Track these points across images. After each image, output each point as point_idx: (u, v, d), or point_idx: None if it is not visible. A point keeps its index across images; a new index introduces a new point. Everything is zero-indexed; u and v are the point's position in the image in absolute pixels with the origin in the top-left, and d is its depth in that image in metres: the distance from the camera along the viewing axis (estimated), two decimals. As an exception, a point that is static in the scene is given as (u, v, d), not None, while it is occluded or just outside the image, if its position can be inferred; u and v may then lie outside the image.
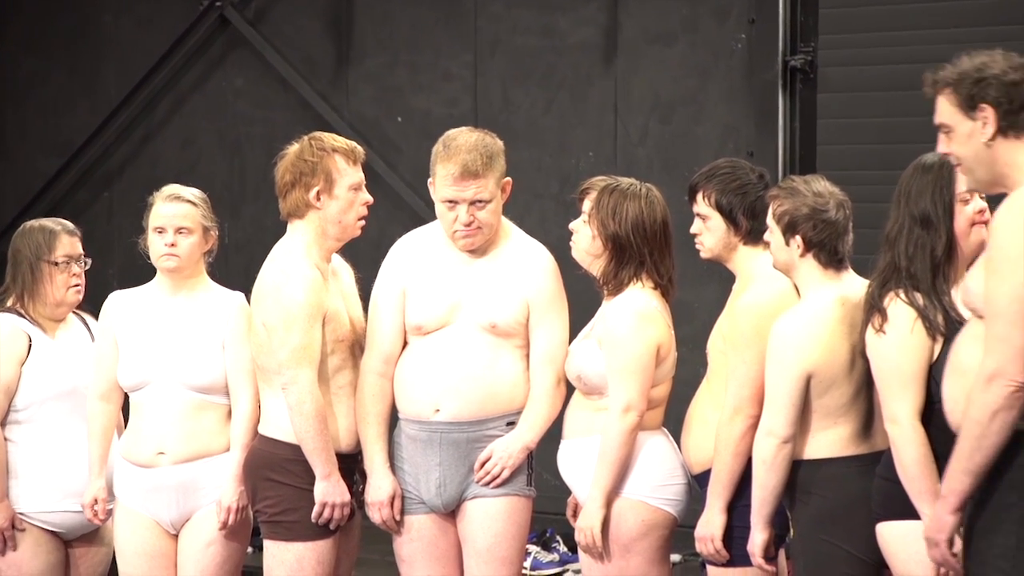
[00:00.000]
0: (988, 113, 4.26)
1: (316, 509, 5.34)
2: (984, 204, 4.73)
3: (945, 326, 4.60)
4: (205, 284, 5.72)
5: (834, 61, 8.09)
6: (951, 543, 4.34)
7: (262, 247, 5.73)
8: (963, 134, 4.31)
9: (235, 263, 9.26)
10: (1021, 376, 4.11)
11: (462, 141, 5.36)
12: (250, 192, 9.73)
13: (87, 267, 5.97)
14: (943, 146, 4.36)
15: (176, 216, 5.63)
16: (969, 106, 4.28)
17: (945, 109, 4.33)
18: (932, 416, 4.62)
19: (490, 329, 5.39)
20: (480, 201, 5.34)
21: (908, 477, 4.60)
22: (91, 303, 5.88)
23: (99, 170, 10.25)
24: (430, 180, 5.45)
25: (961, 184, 4.68)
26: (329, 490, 5.34)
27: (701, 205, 5.22)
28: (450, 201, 5.35)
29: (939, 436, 4.60)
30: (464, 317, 5.40)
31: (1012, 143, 4.26)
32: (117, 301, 5.73)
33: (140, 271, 5.83)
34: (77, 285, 5.92)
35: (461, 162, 5.31)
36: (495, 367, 5.40)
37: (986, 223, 4.72)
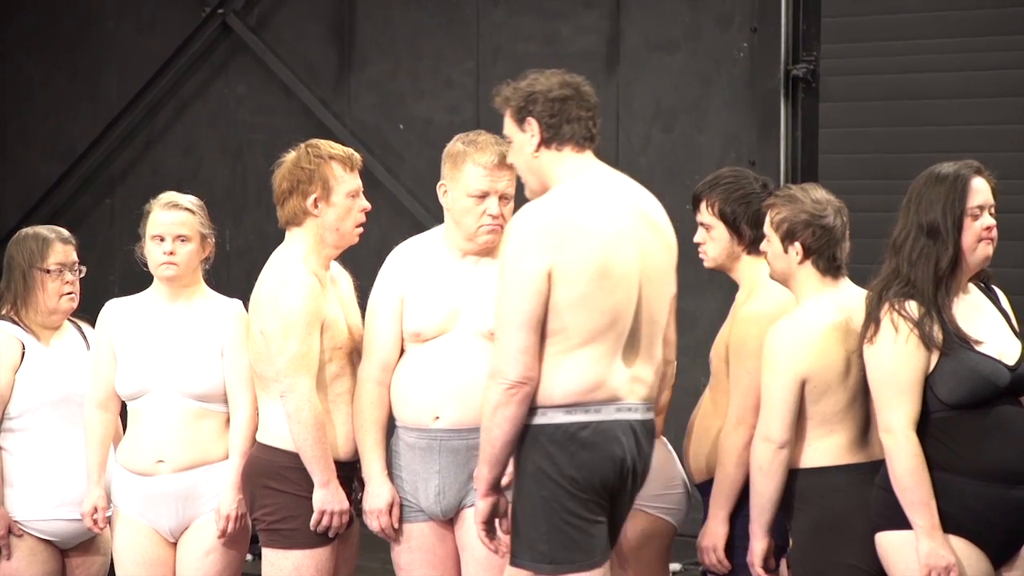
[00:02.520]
0: (534, 126, 4.70)
1: (315, 517, 5.34)
2: (992, 221, 4.72)
3: (943, 339, 4.60)
4: (203, 292, 5.71)
5: (836, 70, 8.10)
6: (489, 527, 4.79)
7: (264, 254, 5.72)
8: (518, 145, 4.79)
9: (236, 270, 9.27)
10: (514, 375, 4.58)
11: (487, 137, 5.39)
12: (252, 199, 9.73)
13: (82, 275, 5.96)
14: (508, 157, 4.85)
15: (174, 224, 5.62)
16: (520, 119, 4.75)
17: (507, 123, 4.79)
18: (927, 426, 4.63)
19: (489, 336, 5.37)
20: (506, 196, 5.35)
21: (901, 487, 4.61)
22: (92, 310, 5.87)
23: (101, 176, 10.26)
24: (441, 183, 5.44)
25: (975, 198, 4.68)
26: (328, 498, 5.33)
27: (704, 214, 5.21)
28: (481, 194, 5.34)
29: (934, 446, 4.62)
30: (463, 324, 5.39)
31: (554, 154, 4.72)
32: (114, 309, 5.72)
33: (141, 278, 5.82)
34: (70, 293, 5.90)
35: (497, 152, 5.32)
36: (494, 374, 5.38)
37: (992, 239, 4.72)
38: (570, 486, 4.59)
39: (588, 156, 4.76)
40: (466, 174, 5.35)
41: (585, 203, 4.63)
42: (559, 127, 4.71)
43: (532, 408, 4.62)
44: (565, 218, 4.59)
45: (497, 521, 4.80)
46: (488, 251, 5.44)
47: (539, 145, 4.73)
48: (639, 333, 4.65)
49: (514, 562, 4.71)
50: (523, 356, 4.58)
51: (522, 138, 4.77)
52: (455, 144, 5.42)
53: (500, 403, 4.60)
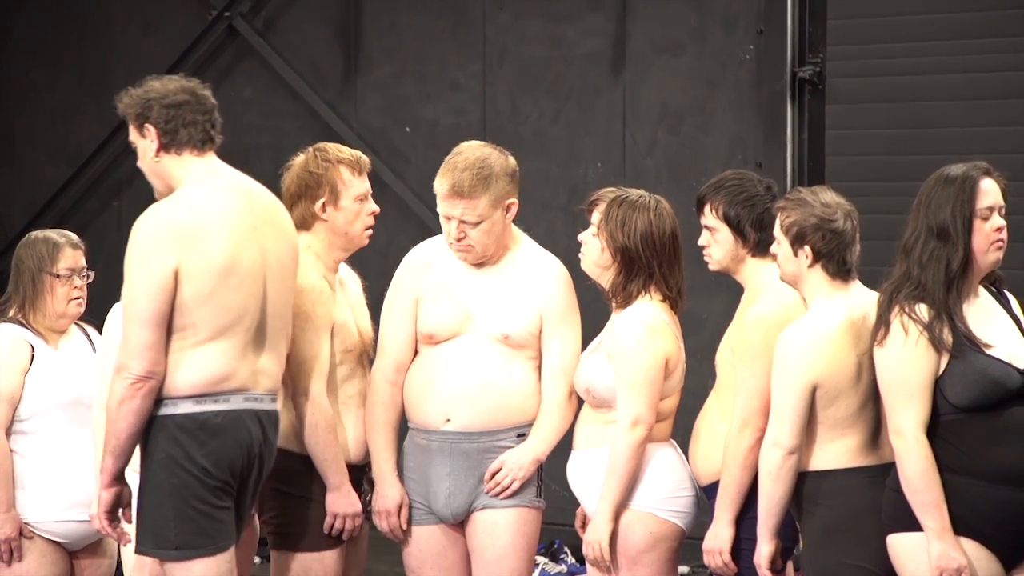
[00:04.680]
0: (152, 132, 4.94)
1: (328, 520, 5.33)
2: (1002, 222, 4.71)
3: (953, 341, 4.60)
4: (212, 294, 5.71)
5: (842, 72, 8.10)
6: (112, 517, 4.96)
7: (270, 257, 5.71)
8: (141, 151, 5.01)
9: (243, 273, 9.25)
10: (138, 370, 4.79)
11: (462, 159, 5.36)
12: (258, 202, 9.72)
13: (90, 280, 5.96)
14: (138, 162, 5.03)
15: (185, 227, 5.63)
16: (139, 126, 4.98)
17: (131, 130, 5.02)
18: (937, 428, 4.63)
19: (502, 340, 5.39)
20: (467, 222, 5.34)
21: (911, 489, 4.61)
22: (99, 313, 5.87)
23: (108, 179, 10.26)
24: (439, 189, 5.46)
25: (984, 199, 4.67)
26: (341, 501, 5.34)
27: (709, 217, 5.21)
28: (444, 216, 5.37)
29: (944, 448, 4.62)
30: (476, 327, 5.40)
31: (175, 158, 4.96)
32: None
33: (148, 281, 5.81)
34: (78, 298, 5.90)
35: (451, 180, 5.32)
36: (507, 378, 5.39)
37: (1003, 240, 4.71)
38: (200, 473, 4.84)
39: (210, 158, 5.01)
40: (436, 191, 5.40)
41: (209, 203, 4.89)
42: (176, 132, 4.94)
43: (161, 398, 4.85)
44: (189, 218, 4.85)
45: (121, 511, 4.99)
46: (500, 256, 5.45)
47: (158, 150, 4.96)
48: (265, 328, 4.95)
49: (139, 550, 4.94)
50: (148, 352, 4.80)
51: (144, 144, 4.99)
52: (450, 155, 5.43)
53: (125, 397, 4.81)
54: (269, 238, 4.97)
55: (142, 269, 4.82)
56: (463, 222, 5.32)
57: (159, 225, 4.85)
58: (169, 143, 4.95)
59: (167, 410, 4.86)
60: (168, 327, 4.82)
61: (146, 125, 4.96)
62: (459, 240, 5.35)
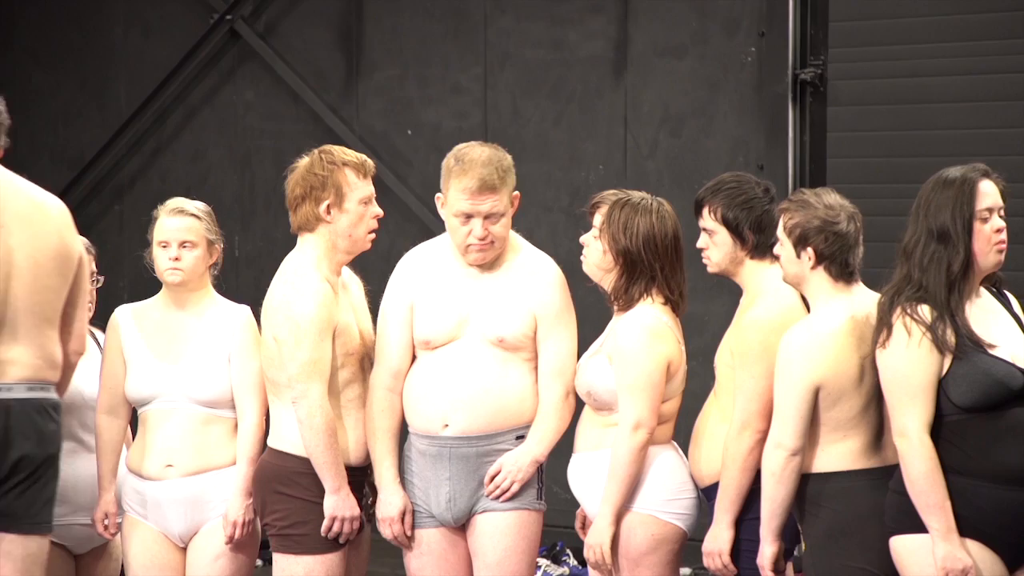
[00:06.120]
0: None
1: (325, 523, 5.34)
2: (1002, 223, 4.72)
3: (956, 342, 4.60)
4: (211, 298, 5.72)
5: (844, 74, 8.10)
6: None
7: (272, 260, 5.72)
8: None
9: (245, 276, 9.28)
10: None
11: (476, 155, 5.34)
12: (260, 205, 9.74)
13: (99, 285, 5.96)
14: None
15: (180, 230, 5.63)
16: None
17: None
18: (940, 429, 4.63)
19: (498, 343, 5.38)
20: (494, 215, 5.33)
21: (916, 490, 4.61)
22: (102, 316, 5.87)
23: (110, 183, 10.27)
24: (439, 195, 5.44)
25: (983, 201, 4.68)
26: (339, 504, 5.34)
27: (707, 220, 5.21)
28: (466, 215, 5.34)
29: (948, 449, 4.62)
30: (472, 331, 5.39)
31: None
32: (123, 315, 5.73)
33: (150, 284, 5.83)
34: (89, 303, 5.90)
35: (479, 176, 5.30)
36: (504, 381, 5.39)
37: (1003, 242, 4.71)
38: None
39: None
40: (451, 194, 5.36)
41: None
42: None
43: None
44: None
45: None
46: (495, 259, 5.44)
47: None
48: (15, 321, 5.03)
49: None
50: None
51: None
52: (449, 159, 5.41)
53: None
54: (19, 236, 5.05)
55: None
56: (489, 217, 5.31)
57: None
58: None
59: None
60: None
61: None
62: (483, 239, 5.34)
